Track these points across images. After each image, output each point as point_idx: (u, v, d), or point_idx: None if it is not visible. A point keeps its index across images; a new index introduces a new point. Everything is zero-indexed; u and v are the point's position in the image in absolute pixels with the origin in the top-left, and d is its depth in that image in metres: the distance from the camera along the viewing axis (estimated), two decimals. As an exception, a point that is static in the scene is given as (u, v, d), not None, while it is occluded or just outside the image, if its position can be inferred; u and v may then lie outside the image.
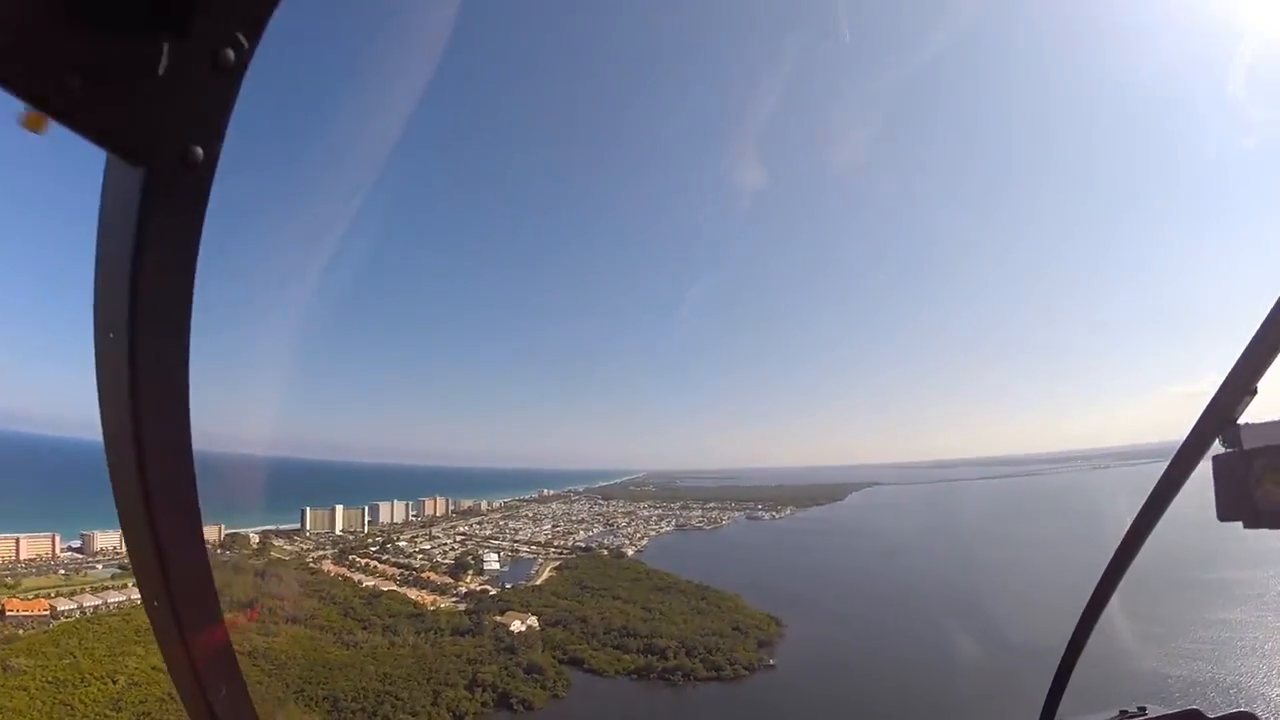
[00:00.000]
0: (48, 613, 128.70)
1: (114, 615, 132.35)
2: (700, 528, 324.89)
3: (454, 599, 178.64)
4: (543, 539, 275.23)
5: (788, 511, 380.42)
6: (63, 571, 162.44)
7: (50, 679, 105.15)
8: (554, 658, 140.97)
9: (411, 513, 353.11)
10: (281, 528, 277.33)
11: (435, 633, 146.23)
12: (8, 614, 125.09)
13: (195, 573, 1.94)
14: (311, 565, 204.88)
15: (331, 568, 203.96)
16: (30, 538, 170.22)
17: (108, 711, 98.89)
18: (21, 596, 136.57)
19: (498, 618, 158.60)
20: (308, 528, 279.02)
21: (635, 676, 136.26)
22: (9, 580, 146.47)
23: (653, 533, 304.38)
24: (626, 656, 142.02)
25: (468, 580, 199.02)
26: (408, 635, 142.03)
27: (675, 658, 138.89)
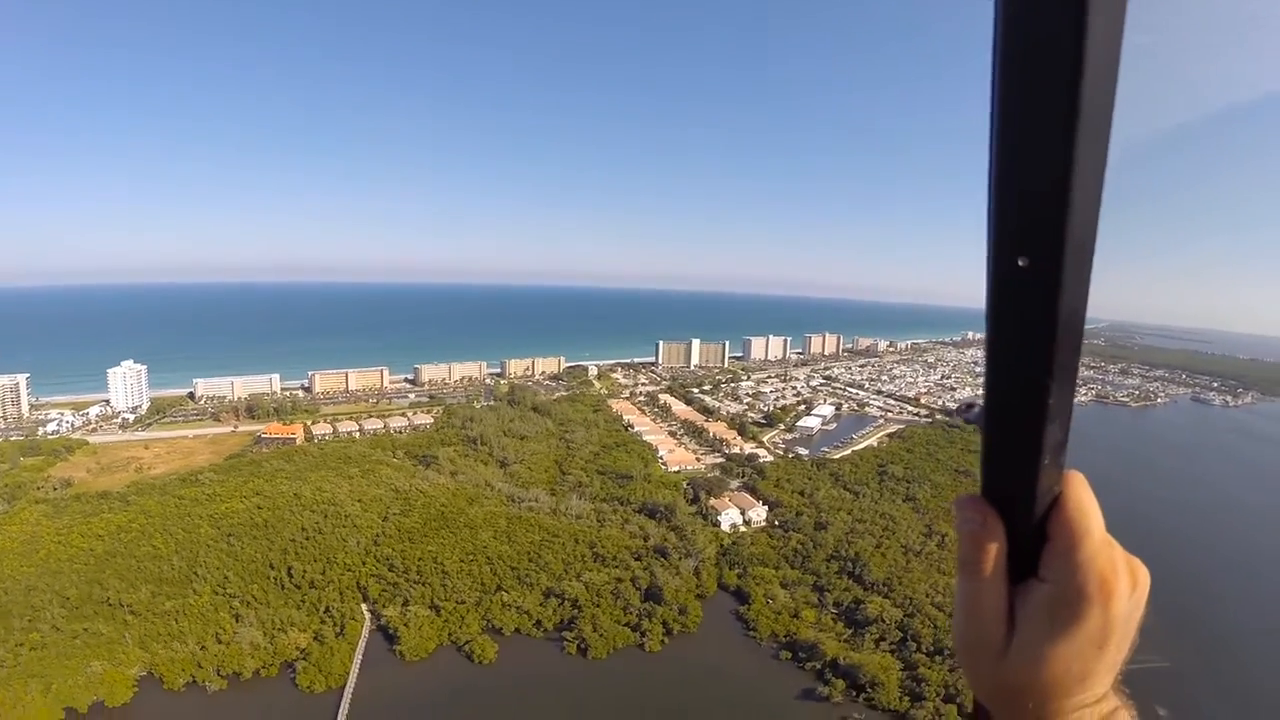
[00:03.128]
0: (294, 436, 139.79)
1: (340, 441, 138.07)
2: (1125, 403, 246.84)
3: (716, 458, 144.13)
4: (914, 393, 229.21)
5: (1248, 399, 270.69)
6: (373, 400, 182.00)
7: (208, 494, 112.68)
8: (720, 583, 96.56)
9: (794, 349, 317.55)
10: (637, 360, 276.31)
11: (615, 504, 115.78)
12: (263, 436, 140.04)
13: None
14: (612, 402, 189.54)
15: (622, 405, 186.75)
16: (360, 371, 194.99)
17: (201, 524, 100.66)
18: (288, 421, 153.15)
19: (714, 500, 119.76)
20: (660, 361, 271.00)
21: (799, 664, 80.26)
22: (309, 406, 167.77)
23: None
24: (806, 615, 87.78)
25: (765, 436, 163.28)
26: (574, 500, 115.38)
27: (919, 642, 79.93)
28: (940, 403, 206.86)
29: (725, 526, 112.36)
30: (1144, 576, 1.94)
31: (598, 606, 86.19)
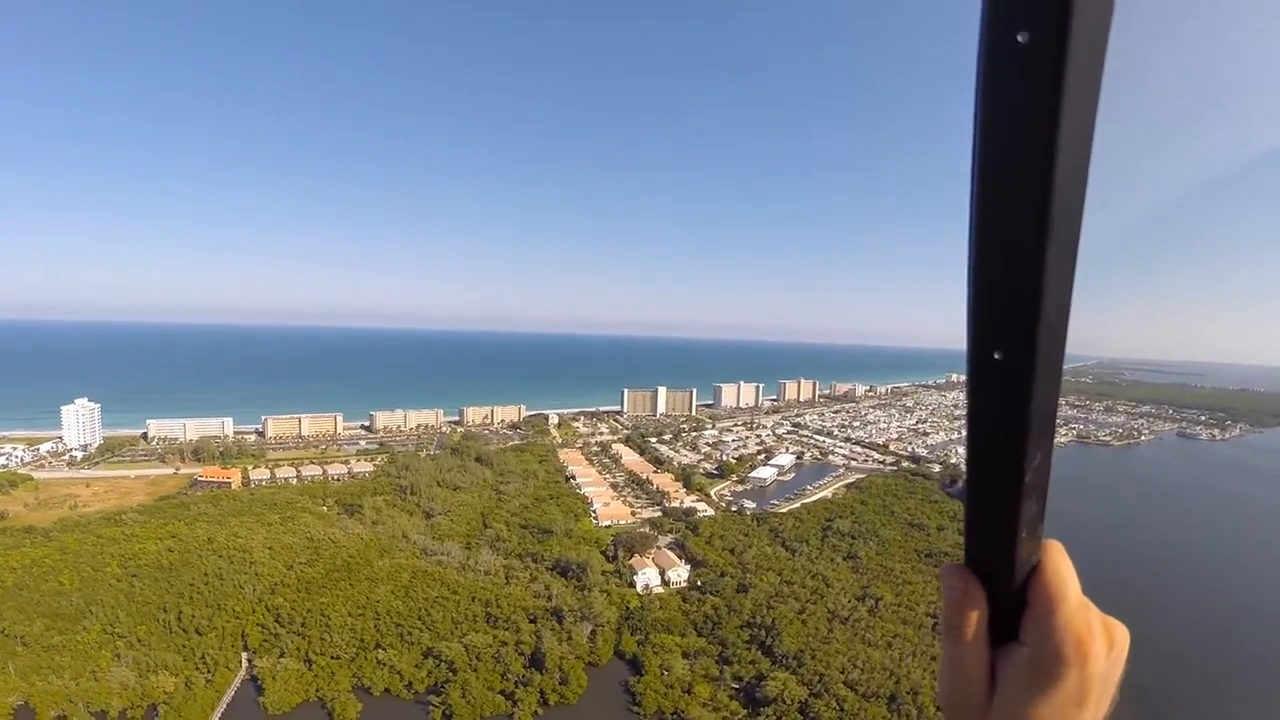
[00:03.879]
0: (230, 480, 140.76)
1: (273, 487, 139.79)
2: (1107, 442, 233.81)
3: (653, 512, 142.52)
4: (884, 439, 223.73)
5: (1236, 431, 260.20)
6: (322, 447, 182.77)
7: (126, 534, 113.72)
8: (617, 650, 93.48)
9: (768, 396, 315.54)
10: (603, 408, 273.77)
11: (528, 561, 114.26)
12: (199, 480, 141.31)
13: None
14: (562, 452, 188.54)
15: (571, 456, 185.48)
16: (314, 417, 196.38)
17: (110, 563, 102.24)
18: (230, 465, 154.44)
19: (636, 558, 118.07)
20: (625, 409, 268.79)
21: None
22: (255, 451, 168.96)
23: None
24: (700, 690, 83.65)
25: (715, 488, 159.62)
26: (485, 554, 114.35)
27: None
28: (910, 449, 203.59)
29: (640, 587, 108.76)
30: (1122, 637, 2.02)
31: (474, 671, 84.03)
